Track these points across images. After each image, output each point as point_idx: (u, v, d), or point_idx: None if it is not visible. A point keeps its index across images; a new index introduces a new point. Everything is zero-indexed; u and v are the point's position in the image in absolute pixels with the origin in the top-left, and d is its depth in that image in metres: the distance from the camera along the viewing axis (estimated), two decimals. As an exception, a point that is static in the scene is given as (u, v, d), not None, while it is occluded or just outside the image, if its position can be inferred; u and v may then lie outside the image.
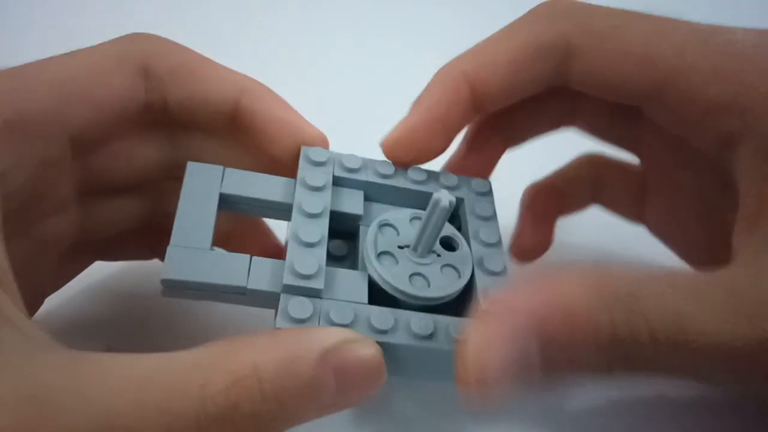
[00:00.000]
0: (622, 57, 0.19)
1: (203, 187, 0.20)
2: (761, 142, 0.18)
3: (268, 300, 0.18)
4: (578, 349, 0.15)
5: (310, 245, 0.18)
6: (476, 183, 0.22)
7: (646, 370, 0.16)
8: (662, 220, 0.24)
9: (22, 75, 0.18)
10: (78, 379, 0.13)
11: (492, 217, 0.21)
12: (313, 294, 0.18)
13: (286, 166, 0.21)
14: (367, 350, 0.15)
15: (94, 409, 0.13)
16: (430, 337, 0.18)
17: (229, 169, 0.20)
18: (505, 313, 0.15)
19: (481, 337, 0.15)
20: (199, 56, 0.21)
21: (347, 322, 0.17)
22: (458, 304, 0.20)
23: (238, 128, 0.21)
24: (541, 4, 0.21)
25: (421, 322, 0.18)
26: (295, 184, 0.20)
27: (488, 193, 0.22)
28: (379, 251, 0.19)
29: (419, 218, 0.21)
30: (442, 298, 0.19)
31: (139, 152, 0.21)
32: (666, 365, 0.16)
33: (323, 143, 0.21)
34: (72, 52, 0.19)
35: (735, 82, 0.18)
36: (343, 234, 0.21)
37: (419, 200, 0.22)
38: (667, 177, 0.24)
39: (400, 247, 0.20)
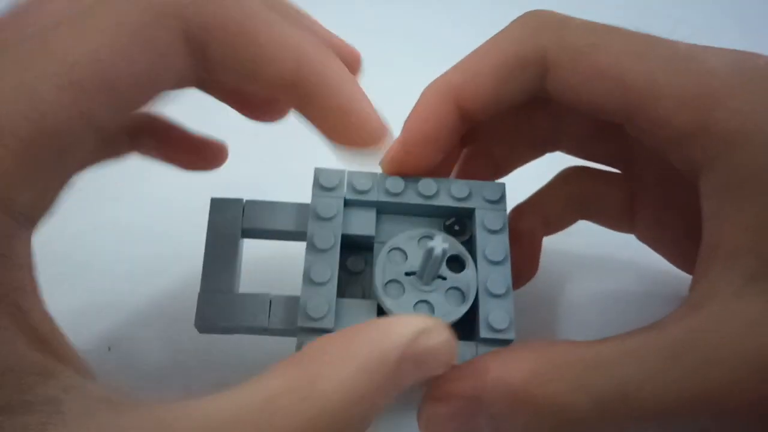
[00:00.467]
0: (595, 76, 0.19)
1: (226, 225, 0.22)
2: (721, 179, 0.18)
3: (288, 333, 0.21)
4: (525, 424, 0.17)
5: (321, 284, 0.20)
6: (489, 189, 0.23)
7: None
8: (651, 230, 0.24)
9: (28, 68, 0.14)
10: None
11: (501, 230, 0.22)
12: (325, 332, 0.20)
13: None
14: (442, 337, 0.16)
15: None
16: None
17: (249, 201, 0.22)
18: (452, 398, 0.17)
19: (431, 418, 0.18)
20: (254, 7, 0.17)
21: (355, 358, 0.20)
22: (465, 322, 0.21)
23: (297, 101, 0.19)
24: (523, 15, 0.21)
25: None
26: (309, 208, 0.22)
27: (500, 200, 0.23)
28: (386, 280, 0.21)
29: (429, 237, 0.22)
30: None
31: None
32: (617, 429, 0.17)
33: (383, 136, 0.20)
34: (90, 9, 0.16)
35: (702, 113, 0.18)
36: (361, 247, 0.23)
37: (431, 212, 0.23)
38: (654, 190, 0.23)
39: (408, 274, 0.21)
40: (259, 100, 0.23)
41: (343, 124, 0.18)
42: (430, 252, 0.19)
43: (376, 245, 0.22)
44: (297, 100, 0.18)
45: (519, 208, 0.26)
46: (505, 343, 0.20)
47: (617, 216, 0.25)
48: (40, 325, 0.14)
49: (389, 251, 0.22)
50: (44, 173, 0.15)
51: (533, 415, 0.17)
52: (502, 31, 0.21)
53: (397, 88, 0.25)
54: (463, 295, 0.21)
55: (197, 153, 0.25)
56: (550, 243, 0.26)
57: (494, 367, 0.18)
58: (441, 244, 0.19)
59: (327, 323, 0.20)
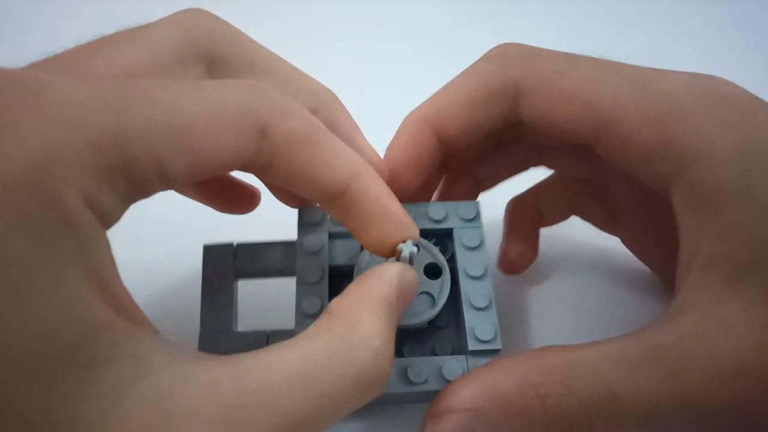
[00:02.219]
0: (564, 101, 0.21)
1: (220, 270, 0.23)
2: (690, 191, 0.19)
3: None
4: (520, 429, 0.18)
5: (313, 315, 0.21)
6: (464, 209, 0.24)
7: None
8: (633, 238, 0.26)
9: (128, 110, 0.15)
10: (249, 384, 0.15)
11: (479, 247, 0.23)
12: None
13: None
14: (412, 273, 0.20)
15: (276, 410, 0.14)
16: (425, 382, 0.21)
17: (239, 245, 0.23)
18: (452, 412, 0.19)
19: None
20: (318, 124, 0.19)
21: (351, 382, 0.21)
22: (455, 340, 0.22)
23: (334, 204, 0.20)
24: (494, 48, 0.22)
25: (416, 369, 0.21)
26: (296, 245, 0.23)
27: (476, 217, 0.24)
28: None
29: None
30: (412, 324, 0.22)
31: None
32: (603, 430, 0.18)
33: (414, 236, 0.21)
34: (191, 86, 0.17)
35: (665, 130, 0.19)
36: (349, 275, 0.24)
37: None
38: (632, 203, 0.24)
39: None
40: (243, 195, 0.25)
41: (379, 229, 0.20)
42: (399, 253, 0.20)
43: None
44: (340, 206, 0.19)
45: (517, 199, 0.27)
46: (493, 353, 0.21)
47: (603, 218, 0.26)
48: (121, 297, 0.15)
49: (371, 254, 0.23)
50: (117, 184, 0.15)
51: (526, 420, 0.18)
52: (474, 64, 0.23)
53: (394, 86, 0.26)
54: (433, 300, 0.22)
55: (232, 197, 0.26)
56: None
57: (487, 379, 0.19)
58: (409, 247, 0.20)
59: (322, 352, 0.21)
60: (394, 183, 0.23)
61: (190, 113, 0.16)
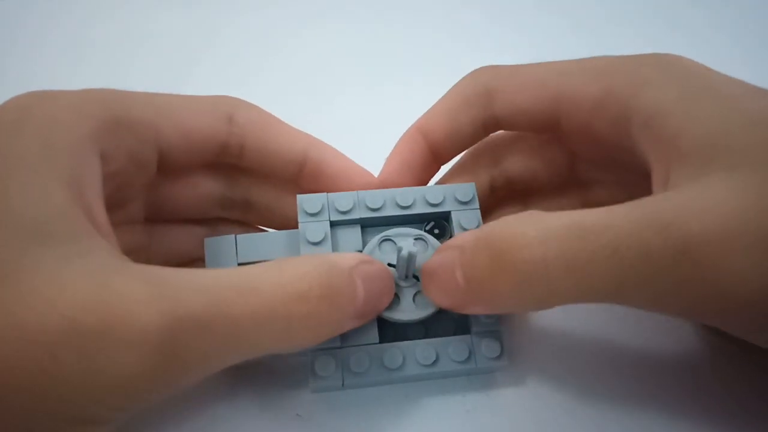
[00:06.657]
0: (524, 88, 0.24)
1: (223, 263, 0.23)
2: (641, 115, 0.21)
3: (299, 356, 0.22)
4: (496, 283, 0.19)
5: (322, 307, 0.22)
6: (460, 191, 0.24)
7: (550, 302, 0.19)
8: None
9: (130, 94, 0.22)
10: (177, 277, 0.18)
11: (476, 228, 0.24)
12: (331, 350, 0.22)
13: None
14: (381, 266, 0.21)
15: (202, 291, 0.17)
16: (434, 363, 0.22)
17: (240, 236, 0.23)
18: (447, 249, 0.21)
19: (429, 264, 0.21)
20: (273, 115, 0.25)
21: (363, 370, 0.21)
22: (460, 321, 0.23)
23: (305, 175, 0.25)
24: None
25: (425, 352, 0.22)
26: (299, 234, 0.23)
27: (472, 200, 0.24)
28: None
29: (422, 239, 0.24)
30: (410, 320, 0.22)
31: (203, 187, 0.25)
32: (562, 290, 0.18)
33: (372, 183, 0.25)
34: (171, 94, 0.24)
35: (607, 78, 0.22)
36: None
37: (410, 220, 0.24)
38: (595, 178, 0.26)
39: (390, 265, 0.23)
40: None
41: (345, 181, 0.25)
42: (399, 252, 0.21)
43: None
44: (308, 175, 0.25)
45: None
46: (495, 333, 0.23)
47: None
48: (96, 213, 0.19)
49: (381, 241, 0.23)
50: (120, 136, 0.21)
51: (496, 257, 0.19)
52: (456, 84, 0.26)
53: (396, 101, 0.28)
54: (429, 301, 0.22)
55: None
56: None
57: (487, 227, 0.20)
58: (409, 247, 0.21)
59: (332, 342, 0.22)
60: (392, 180, 0.25)
61: (175, 102, 0.23)
